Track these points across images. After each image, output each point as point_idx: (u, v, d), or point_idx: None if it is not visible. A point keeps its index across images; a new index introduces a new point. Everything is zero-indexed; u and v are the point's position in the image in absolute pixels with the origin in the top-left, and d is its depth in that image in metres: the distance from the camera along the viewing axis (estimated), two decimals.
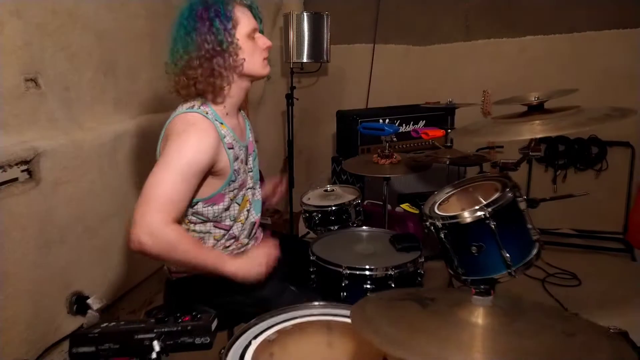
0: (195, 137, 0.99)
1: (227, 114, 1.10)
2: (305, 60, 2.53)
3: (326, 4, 2.67)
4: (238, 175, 1.10)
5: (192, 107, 1.05)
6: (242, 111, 1.22)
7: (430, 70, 2.87)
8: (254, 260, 1.05)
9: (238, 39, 1.04)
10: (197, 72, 1.02)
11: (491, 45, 2.74)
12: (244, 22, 1.06)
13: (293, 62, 2.52)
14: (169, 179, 0.95)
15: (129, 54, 1.68)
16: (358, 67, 2.92)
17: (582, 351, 0.64)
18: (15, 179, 1.24)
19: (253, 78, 1.13)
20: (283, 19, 2.57)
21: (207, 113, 1.05)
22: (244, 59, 1.06)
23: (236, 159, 1.09)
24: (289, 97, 2.56)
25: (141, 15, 1.75)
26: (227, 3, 1.04)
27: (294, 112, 2.60)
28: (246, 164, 1.16)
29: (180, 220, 1.09)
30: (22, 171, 1.26)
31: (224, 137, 1.06)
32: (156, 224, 0.92)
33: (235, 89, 1.10)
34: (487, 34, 2.74)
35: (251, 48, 1.08)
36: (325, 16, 2.52)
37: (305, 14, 2.48)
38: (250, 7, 1.10)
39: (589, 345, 0.65)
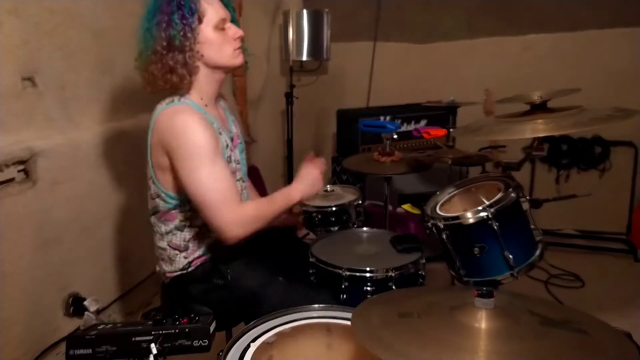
0: (194, 123, 1.00)
1: (206, 105, 1.10)
2: (305, 58, 2.52)
3: (326, 2, 2.66)
4: (229, 162, 1.11)
5: (172, 101, 1.05)
6: (222, 103, 1.21)
7: (431, 69, 2.85)
8: (311, 180, 1.14)
9: (199, 34, 1.02)
10: (156, 67, 1.02)
11: (493, 43, 2.72)
12: (211, 13, 1.04)
13: (293, 60, 2.51)
14: (206, 174, 0.99)
15: (126, 53, 1.66)
16: (358, 65, 2.90)
17: (587, 352, 0.62)
18: (12, 179, 1.23)
19: (225, 69, 1.11)
20: (282, 16, 2.56)
21: (187, 105, 1.05)
22: (202, 55, 1.04)
23: (227, 145, 1.10)
24: (289, 96, 2.55)
25: (138, 13, 1.73)
26: None
27: (293, 110, 2.59)
28: (234, 153, 1.16)
29: (178, 215, 1.09)
30: (19, 171, 1.26)
31: (212, 123, 1.06)
32: (235, 214, 1.01)
33: (208, 81, 1.09)
34: (489, 32, 2.72)
35: (220, 39, 1.05)
36: (325, 13, 2.51)
37: (304, 11, 2.47)
38: None
39: (594, 346, 0.64)
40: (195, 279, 1.12)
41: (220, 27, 1.05)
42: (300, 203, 1.12)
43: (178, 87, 1.04)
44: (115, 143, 1.61)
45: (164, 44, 1.00)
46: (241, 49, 1.10)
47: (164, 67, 1.01)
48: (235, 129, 1.20)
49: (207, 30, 1.03)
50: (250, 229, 1.03)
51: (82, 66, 1.50)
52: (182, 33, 1.00)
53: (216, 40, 1.05)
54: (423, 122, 2.45)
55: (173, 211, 1.09)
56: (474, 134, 1.11)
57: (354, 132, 2.37)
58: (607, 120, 0.97)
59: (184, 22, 0.99)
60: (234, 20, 1.11)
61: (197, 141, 0.98)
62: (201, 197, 0.99)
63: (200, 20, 1.02)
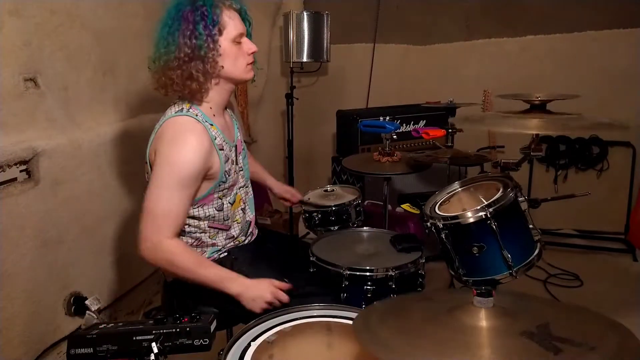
0: (187, 146, 0.99)
1: (214, 114, 1.10)
2: (305, 59, 2.53)
3: (326, 4, 2.66)
4: (229, 176, 1.10)
5: (182, 110, 1.05)
6: (228, 110, 1.22)
7: (430, 70, 2.86)
8: (261, 293, 1.02)
9: (220, 45, 1.04)
10: (175, 73, 1.02)
11: (492, 44, 2.73)
12: (231, 26, 1.05)
13: (293, 62, 2.52)
14: (166, 195, 0.98)
15: (127, 54, 1.68)
16: (358, 66, 2.91)
17: (588, 347, 0.63)
18: (14, 179, 1.24)
19: (236, 82, 1.12)
20: (283, 18, 2.56)
21: (197, 115, 1.05)
22: (222, 66, 1.05)
23: (227, 160, 1.09)
24: (289, 97, 2.56)
25: (140, 14, 1.74)
26: (215, 6, 1.03)
27: (293, 111, 2.59)
28: (236, 163, 1.16)
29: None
30: (21, 171, 1.26)
31: (215, 138, 1.06)
32: (156, 239, 0.98)
33: (219, 91, 1.10)
34: (487, 34, 2.73)
35: (235, 53, 1.07)
36: (325, 15, 2.52)
37: (305, 13, 2.48)
38: (239, 11, 1.09)
39: (595, 341, 0.64)
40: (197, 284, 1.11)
41: (237, 41, 1.07)
42: (233, 294, 1.01)
43: (195, 93, 1.05)
44: (117, 143, 1.62)
45: (188, 51, 1.01)
46: (253, 64, 1.12)
47: (184, 73, 1.02)
48: (239, 135, 1.21)
49: (225, 43, 1.05)
50: (156, 261, 1.01)
51: (83, 67, 1.51)
52: (206, 44, 1.01)
53: (232, 53, 1.06)
54: (422, 123, 2.46)
55: None
56: (474, 123, 1.12)
57: (354, 133, 2.38)
58: (604, 128, 0.98)
59: (207, 32, 1.01)
60: (249, 34, 1.12)
61: (177, 166, 0.98)
62: (146, 203, 1.00)
63: (220, 33, 1.04)
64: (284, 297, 1.03)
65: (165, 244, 0.99)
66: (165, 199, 0.99)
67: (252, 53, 1.10)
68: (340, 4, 2.75)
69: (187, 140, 1.00)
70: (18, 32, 1.25)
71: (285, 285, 1.06)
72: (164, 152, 0.99)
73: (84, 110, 1.52)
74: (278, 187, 1.50)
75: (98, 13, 1.55)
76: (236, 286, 1.02)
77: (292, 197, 1.50)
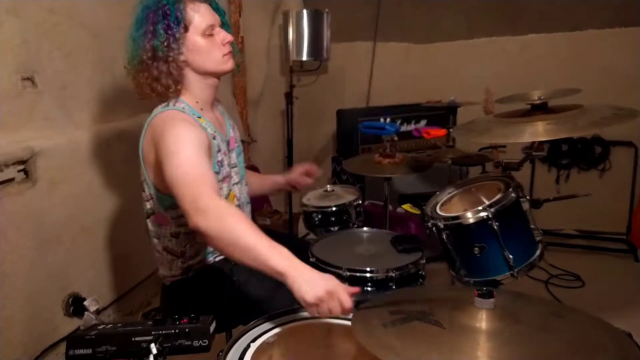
0: (183, 123, 0.99)
1: (201, 109, 1.10)
2: (305, 58, 2.52)
3: (326, 2, 2.65)
4: (221, 166, 1.09)
5: (167, 105, 1.05)
6: (219, 107, 1.21)
7: (431, 69, 2.85)
8: (320, 282, 0.79)
9: (183, 43, 1.02)
10: (143, 76, 1.02)
11: (493, 43, 2.72)
12: (197, 20, 1.03)
13: (292, 61, 2.51)
14: (183, 158, 0.92)
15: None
16: (358, 65, 2.90)
17: (588, 352, 0.62)
18: (12, 179, 1.23)
19: (215, 75, 1.10)
20: (282, 16, 2.55)
21: (183, 108, 1.05)
22: (190, 63, 1.04)
23: (219, 150, 1.09)
24: (289, 96, 2.55)
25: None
26: (177, 2, 1.01)
27: (293, 110, 2.59)
28: (229, 157, 1.15)
29: (171, 221, 1.08)
30: (19, 171, 1.26)
31: (205, 128, 1.06)
32: (204, 202, 0.85)
33: (201, 87, 1.08)
34: (488, 32, 2.72)
35: (208, 46, 1.04)
36: (325, 14, 2.51)
37: (305, 11, 2.47)
38: (207, 2, 1.07)
39: (595, 346, 0.64)
40: (197, 284, 1.11)
41: (208, 34, 1.04)
42: (282, 279, 0.81)
43: (164, 95, 1.05)
44: (115, 143, 1.61)
45: (149, 54, 1.00)
46: (231, 53, 1.09)
47: (150, 76, 1.02)
48: (232, 133, 1.20)
49: (194, 38, 1.03)
50: (214, 224, 0.83)
51: (81, 66, 1.50)
52: (165, 44, 1.00)
53: (204, 46, 1.04)
54: (423, 122, 2.46)
55: (167, 214, 1.08)
56: (474, 135, 1.11)
57: (354, 132, 2.37)
58: (610, 123, 0.97)
59: (169, 32, 0.99)
60: (225, 24, 1.10)
61: (182, 133, 0.96)
62: (173, 182, 0.89)
63: (186, 29, 1.02)
64: (347, 301, 0.79)
65: (216, 200, 0.86)
66: (190, 165, 0.90)
67: (228, 43, 1.07)
68: (340, 2, 2.74)
69: (179, 123, 0.99)
70: (16, 30, 1.25)
71: (354, 289, 0.82)
72: (164, 143, 0.96)
73: (82, 109, 1.52)
74: (286, 176, 1.39)
75: (97, 12, 1.54)
76: (282, 265, 0.80)
77: (309, 172, 1.38)
